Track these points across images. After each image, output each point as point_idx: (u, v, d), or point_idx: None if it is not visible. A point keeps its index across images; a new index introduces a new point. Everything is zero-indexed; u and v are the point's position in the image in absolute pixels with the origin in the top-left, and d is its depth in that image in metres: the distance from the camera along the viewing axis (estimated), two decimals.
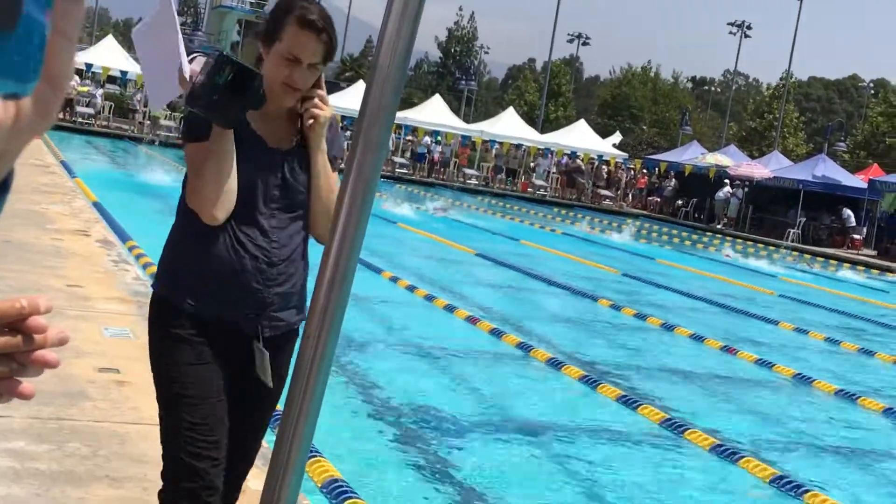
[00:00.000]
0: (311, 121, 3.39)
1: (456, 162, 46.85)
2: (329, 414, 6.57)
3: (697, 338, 13.18)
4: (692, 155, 47.64)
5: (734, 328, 15.22)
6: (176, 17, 3.38)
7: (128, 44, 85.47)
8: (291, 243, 3.38)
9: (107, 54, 43.54)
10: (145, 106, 42.63)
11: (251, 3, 76.04)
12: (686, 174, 45.32)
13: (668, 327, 13.80)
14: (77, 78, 44.15)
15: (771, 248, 36.24)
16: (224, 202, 3.24)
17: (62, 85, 0.76)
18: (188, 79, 3.19)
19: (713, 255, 29.47)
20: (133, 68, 44.01)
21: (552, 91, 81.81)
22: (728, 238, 38.23)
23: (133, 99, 43.07)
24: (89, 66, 43.42)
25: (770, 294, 20.56)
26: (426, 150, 46.00)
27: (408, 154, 46.95)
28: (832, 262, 34.06)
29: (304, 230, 3.43)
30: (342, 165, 2.36)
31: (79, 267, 9.53)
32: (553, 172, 47.67)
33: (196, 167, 3.27)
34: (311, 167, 3.41)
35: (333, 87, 57.54)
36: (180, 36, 3.34)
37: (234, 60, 3.05)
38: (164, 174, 26.73)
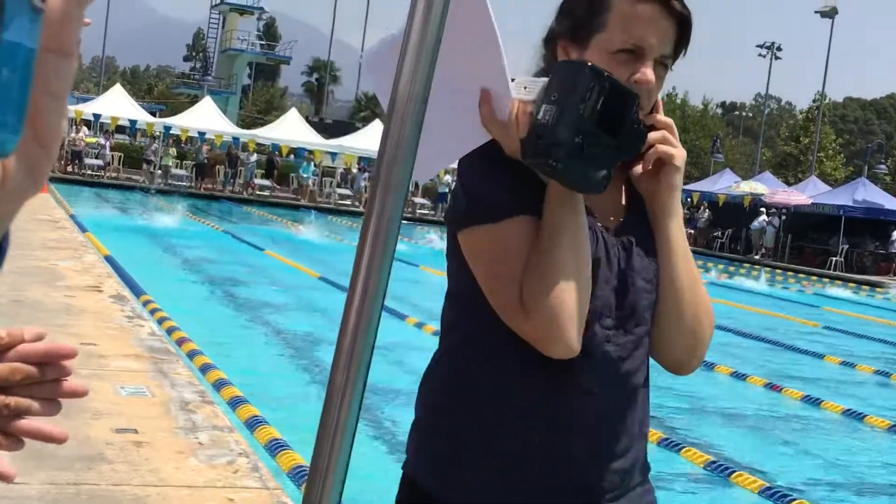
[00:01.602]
0: (655, 166, 2.23)
1: None
2: (357, 468, 6.56)
3: (739, 375, 13.08)
4: (725, 183, 47.55)
5: (778, 364, 15.09)
6: (492, 17, 1.94)
7: (135, 91, 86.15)
8: (635, 379, 2.28)
9: (115, 104, 43.96)
10: (157, 156, 43.01)
11: (262, 44, 76.70)
12: (720, 204, 45.23)
13: (708, 365, 13.69)
14: (85, 129, 44.62)
15: (812, 277, 36.02)
16: (583, 319, 2.06)
17: (53, 146, 0.74)
18: (514, 116, 2.02)
19: (751, 287, 29.31)
20: (142, 116, 44.41)
21: None
22: (766, 269, 38.06)
23: (147, 150, 43.49)
24: (97, 116, 43.84)
25: (814, 326, 20.40)
26: (447, 190, 46.12)
27: (419, 192, 47.06)
28: (878, 289, 33.82)
29: (647, 358, 2.32)
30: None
31: (92, 324, 9.56)
32: None
33: (502, 264, 2.08)
34: (663, 246, 2.24)
35: (348, 128, 57.94)
36: (501, 49, 1.97)
37: (605, 75, 1.97)
38: (176, 225, 26.92)
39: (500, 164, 2.07)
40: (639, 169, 2.24)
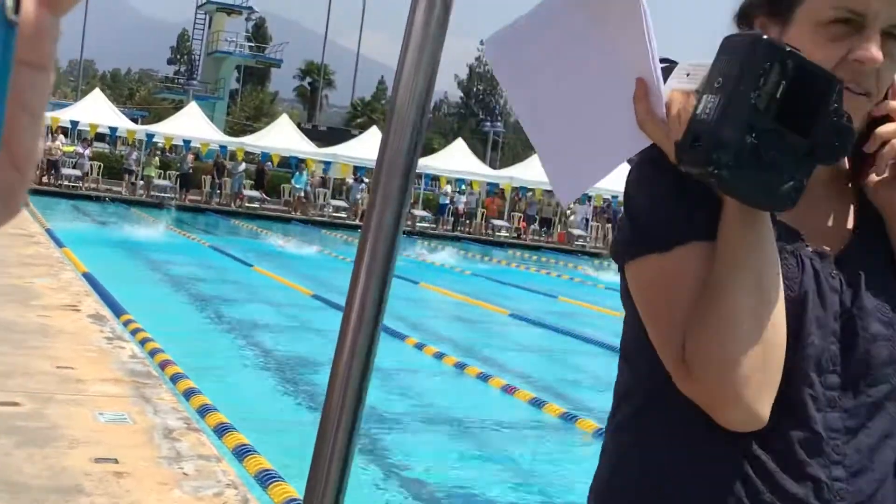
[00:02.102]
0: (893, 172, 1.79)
1: (483, 213, 46.92)
2: (354, 501, 6.54)
3: None
4: None
5: None
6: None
7: (115, 96, 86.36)
8: (877, 461, 1.75)
9: (94, 110, 44.01)
10: (138, 166, 43.06)
11: (251, 46, 76.86)
12: None
13: None
14: (62, 137, 44.67)
15: None
16: (771, 378, 1.64)
17: (29, 169, 0.72)
18: (674, 112, 1.66)
19: None
20: (122, 123, 44.48)
21: None
22: None
23: (129, 159, 43.48)
24: (75, 123, 43.91)
25: None
26: (448, 201, 46.15)
27: (419, 204, 47.09)
28: None
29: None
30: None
31: (69, 346, 9.55)
32: (592, 220, 47.64)
33: (667, 303, 1.72)
34: None
35: (344, 135, 58.02)
36: (649, 35, 1.65)
37: (788, 51, 1.56)
38: (160, 239, 26.93)
39: (668, 176, 1.72)
40: (873, 177, 1.79)
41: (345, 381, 1.79)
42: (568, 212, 48.07)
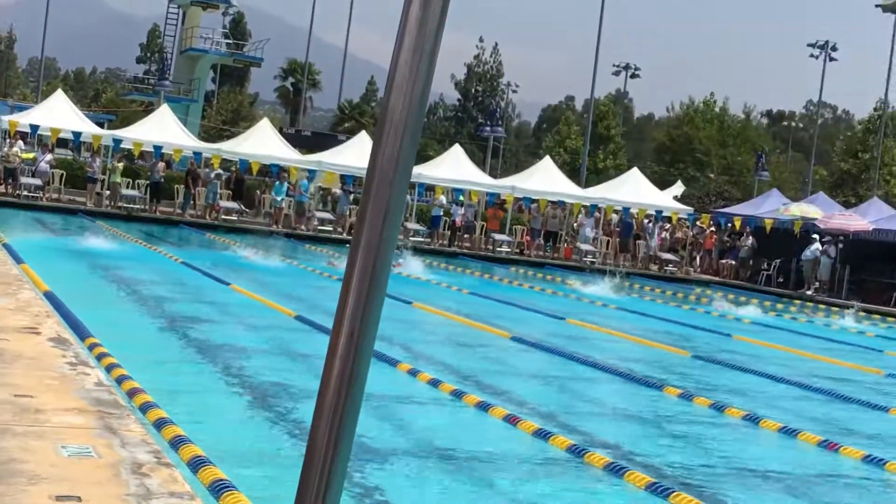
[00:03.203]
0: None
1: (483, 226, 46.89)
2: None
3: (789, 431, 13.05)
4: (772, 206, 47.57)
5: (834, 418, 15.06)
6: None
7: (79, 98, 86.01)
8: None
9: (55, 113, 43.99)
10: (104, 173, 43.02)
11: (228, 44, 76.91)
12: (766, 230, 45.24)
13: (752, 419, 13.66)
14: (21, 143, 44.65)
15: (875, 316, 35.99)
16: None
17: None
18: None
19: (803, 328, 29.30)
20: (87, 128, 44.46)
21: (598, 135, 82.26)
22: (821, 306, 38.01)
23: (93, 166, 43.41)
24: (35, 127, 43.90)
25: (877, 373, 20.37)
26: (441, 213, 46.12)
27: (413, 216, 47.05)
28: None
29: None
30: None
31: (27, 372, 9.53)
32: (600, 234, 47.59)
33: None
34: None
35: (330, 140, 57.99)
36: None
37: None
38: (128, 255, 26.86)
39: None
40: None
41: (332, 412, 1.78)
42: (575, 224, 48.05)
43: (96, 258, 25.57)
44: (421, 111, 1.76)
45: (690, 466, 11.22)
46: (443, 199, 46.76)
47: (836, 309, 37.29)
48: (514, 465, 10.48)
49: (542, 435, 11.32)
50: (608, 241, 47.74)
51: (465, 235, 46.78)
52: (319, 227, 44.55)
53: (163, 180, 43.59)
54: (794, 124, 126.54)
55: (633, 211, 47.62)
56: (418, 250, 41.49)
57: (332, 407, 1.78)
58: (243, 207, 44.85)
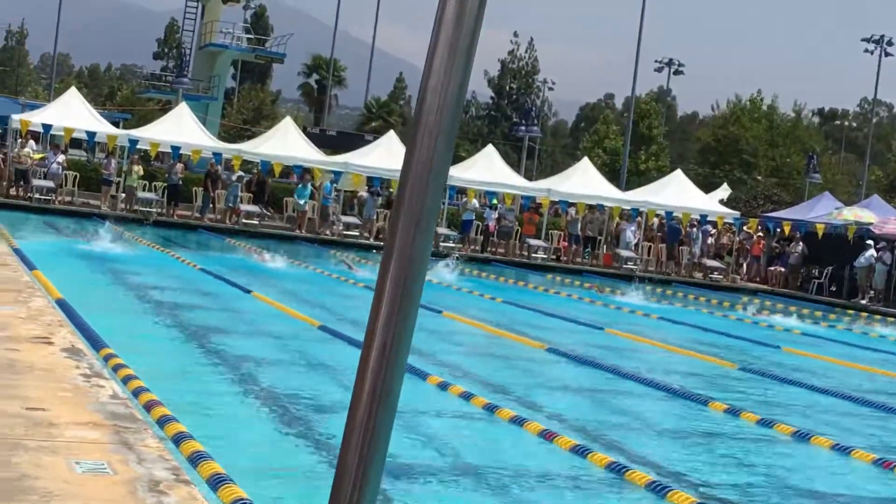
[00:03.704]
0: None
1: (518, 230, 46.74)
2: None
3: (842, 449, 12.97)
4: (823, 210, 47.36)
5: (890, 434, 14.97)
6: None
7: (93, 96, 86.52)
8: None
9: (69, 112, 44.16)
10: (119, 175, 43.17)
11: (249, 39, 77.08)
12: (818, 235, 45.03)
13: (803, 436, 13.60)
14: (33, 143, 44.86)
15: None
16: None
17: None
18: None
19: (857, 339, 29.13)
20: (102, 127, 44.62)
21: (639, 135, 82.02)
22: (875, 316, 37.79)
23: (108, 168, 43.55)
24: (47, 127, 44.07)
25: None
26: (473, 217, 46.00)
27: (444, 220, 47.01)
28: None
29: None
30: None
31: (40, 384, 9.57)
32: (641, 240, 47.39)
33: None
34: None
35: (356, 140, 58.06)
36: None
37: None
38: (144, 261, 26.95)
39: None
40: None
41: (363, 430, 1.78)
42: (615, 229, 47.74)
43: (111, 264, 25.67)
44: (457, 113, 1.76)
45: (737, 485, 11.17)
46: (475, 202, 46.64)
47: (891, 319, 37.08)
48: (550, 483, 10.46)
49: (579, 451, 11.30)
50: (650, 247, 47.58)
51: (499, 241, 46.67)
52: (345, 232, 44.60)
53: (181, 182, 43.73)
54: (847, 123, 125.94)
55: (677, 215, 47.44)
56: (448, 256, 41.54)
57: (364, 424, 1.78)
58: (265, 211, 44.89)
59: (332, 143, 58.20)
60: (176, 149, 43.78)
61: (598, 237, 47.39)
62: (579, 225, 46.80)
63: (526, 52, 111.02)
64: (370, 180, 46.49)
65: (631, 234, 46.65)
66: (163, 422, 9.63)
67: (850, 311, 39.67)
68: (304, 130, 56.07)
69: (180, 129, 44.55)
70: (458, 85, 1.76)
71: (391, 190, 46.82)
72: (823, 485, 11.66)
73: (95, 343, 13.01)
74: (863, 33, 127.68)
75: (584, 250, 46.88)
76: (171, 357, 15.11)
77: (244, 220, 43.67)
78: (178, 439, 9.11)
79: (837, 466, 12.57)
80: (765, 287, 45.44)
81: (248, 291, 22.74)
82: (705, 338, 24.61)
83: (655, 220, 48.31)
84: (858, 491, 11.59)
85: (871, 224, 43.42)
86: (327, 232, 44.28)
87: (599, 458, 11.04)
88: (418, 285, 1.78)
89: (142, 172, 43.50)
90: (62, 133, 43.87)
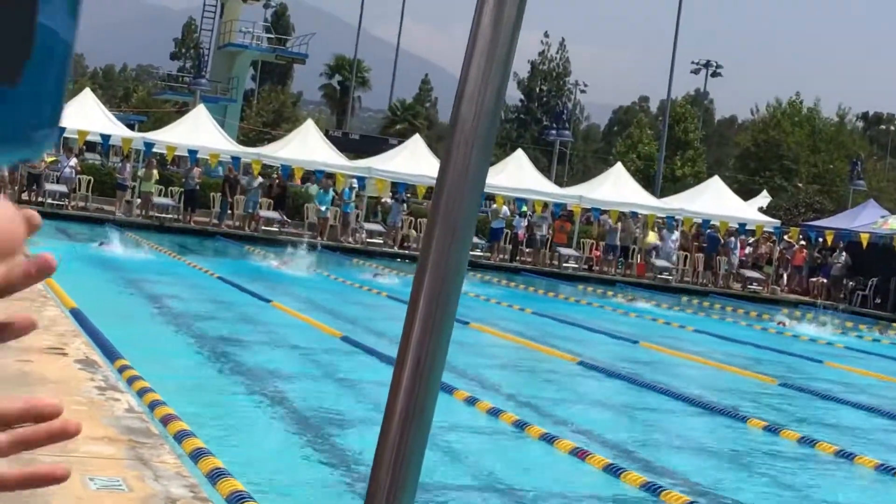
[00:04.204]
0: None
1: (549, 239, 46.65)
2: None
3: (888, 470, 12.93)
4: (868, 219, 47.20)
5: None
6: None
7: (108, 98, 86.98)
8: None
9: (83, 114, 44.28)
10: (134, 180, 43.32)
11: (270, 39, 77.30)
12: (863, 245, 44.88)
13: (846, 455, 13.55)
14: None
15: None
16: None
17: None
18: None
19: None
20: (117, 130, 44.80)
21: (674, 139, 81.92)
22: None
23: (123, 172, 43.70)
24: (61, 130, 43.99)
25: None
26: (503, 225, 45.95)
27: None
28: None
29: None
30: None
31: (53, 397, 9.61)
32: (678, 250, 47.18)
33: None
34: None
35: (380, 144, 58.17)
36: None
37: None
38: (160, 269, 27.04)
39: None
40: None
41: (396, 452, 1.78)
42: (657, 240, 47.40)
43: (126, 272, 25.78)
44: (494, 122, 1.77)
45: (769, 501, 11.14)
46: (506, 209, 46.59)
47: None
48: (583, 502, 10.45)
49: (613, 471, 11.29)
50: (686, 257, 47.45)
51: (528, 249, 46.62)
52: (368, 240, 44.66)
53: (198, 187, 43.83)
54: (893, 128, 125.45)
55: (714, 223, 47.33)
56: (477, 265, 41.56)
57: (396, 444, 1.79)
58: (285, 218, 44.98)
59: (356, 146, 58.37)
60: (193, 152, 43.90)
61: (633, 246, 47.24)
62: (619, 235, 46.48)
63: (557, 52, 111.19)
64: (395, 186, 46.53)
65: (672, 243, 46.41)
66: (180, 437, 9.66)
67: None
68: (326, 134, 56.17)
69: (198, 132, 44.70)
70: (495, 94, 1.77)
71: (407, 195, 46.76)
72: None
73: (110, 354, 13.07)
74: None
75: (616, 259, 46.70)
76: (189, 369, 15.15)
77: (263, 227, 43.80)
78: (196, 455, 9.14)
79: (882, 488, 12.53)
80: (806, 299, 45.30)
81: (268, 301, 22.80)
82: (744, 352, 24.55)
83: (693, 227, 48.17)
84: None
85: None
86: (350, 239, 44.36)
87: (634, 477, 11.02)
88: (454, 300, 1.79)
89: (157, 177, 43.65)
90: (76, 136, 44.10)
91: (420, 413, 1.78)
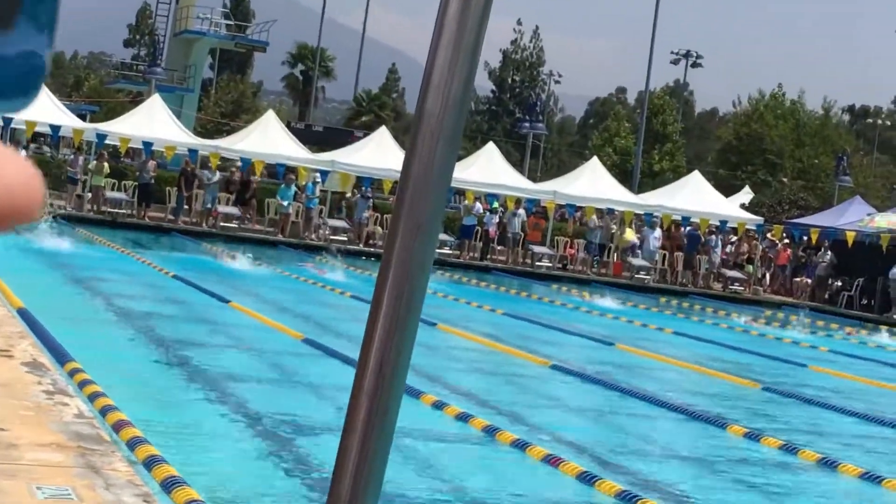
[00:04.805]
0: None
1: (521, 237, 46.58)
2: None
3: (873, 478, 12.98)
4: (854, 216, 47.38)
5: None
6: None
7: (58, 87, 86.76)
8: None
9: (31, 104, 44.10)
10: (86, 173, 43.13)
11: (229, 25, 77.10)
12: (848, 244, 45.04)
13: (830, 463, 13.61)
14: None
15: None
16: None
17: None
18: None
19: (892, 356, 29.15)
20: (67, 121, 44.58)
21: (653, 132, 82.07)
22: None
23: (74, 165, 43.48)
24: (7, 121, 44.03)
25: None
26: (475, 222, 45.88)
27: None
28: None
29: None
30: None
31: None
32: (659, 248, 47.14)
33: None
34: None
35: (345, 137, 58.08)
36: None
37: None
38: (113, 267, 26.94)
39: None
40: None
41: (358, 461, 1.79)
42: (636, 237, 47.31)
43: (77, 270, 25.68)
44: (461, 114, 1.78)
45: None
46: (478, 206, 46.50)
47: None
48: None
49: (587, 479, 11.30)
50: (664, 256, 47.49)
51: (500, 247, 46.58)
52: (332, 237, 44.57)
53: (153, 181, 43.67)
54: (880, 121, 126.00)
55: (694, 220, 47.43)
56: (445, 264, 41.54)
57: (358, 449, 1.79)
58: (246, 213, 44.85)
59: (319, 139, 58.29)
60: (148, 144, 43.74)
61: (609, 244, 47.25)
62: (599, 234, 46.43)
63: (530, 41, 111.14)
64: (360, 180, 46.45)
65: (655, 241, 46.33)
66: (133, 443, 9.64)
67: (884, 327, 39.65)
68: (288, 125, 56.00)
69: (153, 123, 44.53)
70: (462, 85, 1.77)
71: (373, 187, 46.69)
72: None
73: (60, 356, 13.02)
74: None
75: (591, 257, 46.68)
76: (143, 373, 15.10)
77: (221, 223, 43.66)
78: (149, 463, 9.11)
79: (867, 496, 12.58)
80: (790, 300, 45.47)
81: (227, 301, 22.75)
82: (724, 355, 24.62)
83: (671, 224, 48.21)
84: None
85: None
86: (313, 236, 44.30)
87: (608, 485, 11.04)
88: (419, 298, 1.80)
89: (109, 170, 43.46)
90: (23, 127, 43.88)
91: (383, 416, 1.79)
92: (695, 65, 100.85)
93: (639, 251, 46.40)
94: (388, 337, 1.78)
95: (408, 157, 1.79)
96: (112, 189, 43.55)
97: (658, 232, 46.55)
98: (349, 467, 1.80)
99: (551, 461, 11.92)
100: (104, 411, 10.61)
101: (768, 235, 49.02)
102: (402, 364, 1.80)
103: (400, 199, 1.80)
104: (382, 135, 48.05)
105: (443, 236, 45.57)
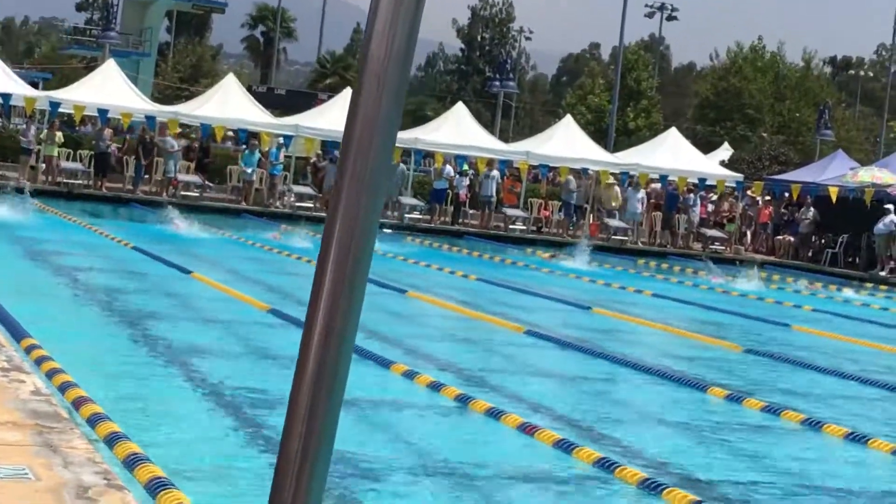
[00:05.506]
0: None
1: (495, 200, 46.42)
2: None
3: (858, 438, 13.04)
4: (837, 171, 47.44)
5: None
6: None
7: (8, 53, 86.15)
8: None
9: None
10: (39, 144, 42.88)
11: None
12: (831, 200, 45.11)
13: (814, 424, 13.66)
14: None
15: None
16: None
17: None
18: None
19: (876, 315, 29.25)
20: (18, 89, 44.29)
21: (627, 89, 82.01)
22: None
23: (27, 135, 43.21)
24: None
25: None
26: (446, 185, 45.79)
27: (409, 189, 46.82)
28: None
29: None
30: None
31: None
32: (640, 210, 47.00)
33: None
34: None
35: (308, 100, 57.91)
36: None
37: None
38: (70, 239, 26.83)
39: None
40: None
41: (305, 420, 1.79)
42: (616, 201, 47.13)
43: (32, 244, 25.57)
44: (406, 62, 1.77)
45: (740, 482, 11.22)
46: (449, 169, 46.37)
47: None
48: (531, 482, 10.49)
49: (564, 447, 11.33)
50: (645, 217, 47.42)
51: (472, 211, 46.51)
52: (298, 205, 44.46)
53: (109, 150, 43.43)
54: (863, 73, 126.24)
55: (672, 179, 47.42)
56: (415, 229, 41.52)
57: (305, 414, 1.80)
58: (207, 182, 44.66)
59: (282, 102, 58.18)
60: (103, 112, 43.45)
61: (585, 205, 47.15)
62: (575, 195, 46.30)
63: None
64: (325, 144, 46.31)
65: (638, 203, 46.09)
66: (93, 421, 9.62)
67: (869, 284, 39.80)
68: (249, 89, 55.85)
69: (108, 90, 44.24)
70: (407, 30, 1.77)
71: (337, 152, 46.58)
72: (836, 478, 11.72)
73: (16, 332, 12.98)
74: None
75: (567, 219, 46.62)
76: (102, 348, 15.07)
77: (182, 192, 43.50)
78: (110, 440, 9.10)
79: (853, 457, 12.64)
80: (772, 258, 45.58)
81: (188, 272, 22.69)
82: (705, 316, 24.71)
83: (650, 184, 48.15)
84: (875, 484, 11.66)
85: (890, 186, 43.51)
86: (278, 204, 44.20)
87: (587, 453, 11.07)
88: (367, 253, 1.79)
89: (62, 139, 43.20)
90: None
91: (333, 377, 1.79)
92: (670, 18, 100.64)
93: (615, 213, 46.34)
94: (336, 293, 1.78)
95: (351, 109, 1.78)
96: (67, 159, 43.32)
97: (642, 193, 46.34)
98: (299, 428, 1.80)
99: (527, 429, 11.94)
100: (63, 388, 10.59)
101: (749, 193, 49.03)
102: (350, 321, 1.80)
103: (344, 152, 1.80)
104: (347, 97, 47.70)
105: (413, 201, 45.57)
